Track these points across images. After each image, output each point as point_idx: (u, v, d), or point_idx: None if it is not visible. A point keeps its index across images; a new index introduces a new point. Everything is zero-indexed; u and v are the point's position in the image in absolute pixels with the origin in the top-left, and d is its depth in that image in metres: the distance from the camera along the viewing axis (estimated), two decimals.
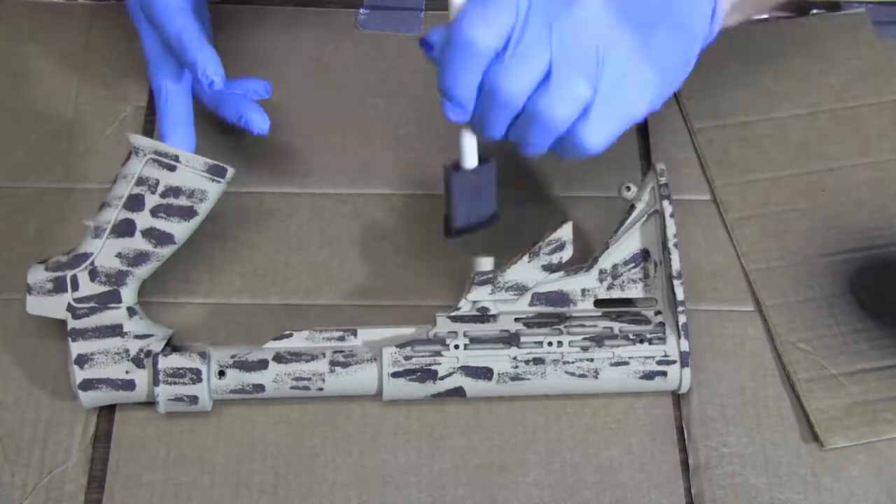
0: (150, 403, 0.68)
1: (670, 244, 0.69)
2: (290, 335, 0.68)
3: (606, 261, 0.70)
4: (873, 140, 0.80)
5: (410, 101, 0.82)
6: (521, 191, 0.78)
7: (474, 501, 0.67)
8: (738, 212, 0.77)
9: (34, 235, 0.74)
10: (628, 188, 0.71)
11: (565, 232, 0.69)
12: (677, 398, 0.70)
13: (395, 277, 0.74)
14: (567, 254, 0.69)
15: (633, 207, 0.70)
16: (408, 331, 0.69)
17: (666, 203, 0.69)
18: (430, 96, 0.82)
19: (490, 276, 0.69)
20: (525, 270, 0.69)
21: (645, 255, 0.70)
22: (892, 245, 0.76)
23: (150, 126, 0.80)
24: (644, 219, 0.70)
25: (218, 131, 0.78)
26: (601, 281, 0.70)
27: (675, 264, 0.68)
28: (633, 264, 0.70)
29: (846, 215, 0.77)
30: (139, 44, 0.72)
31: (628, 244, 0.70)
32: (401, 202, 0.78)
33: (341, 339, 0.68)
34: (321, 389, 0.67)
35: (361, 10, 0.87)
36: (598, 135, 0.61)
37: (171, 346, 0.68)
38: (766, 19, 0.86)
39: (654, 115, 0.81)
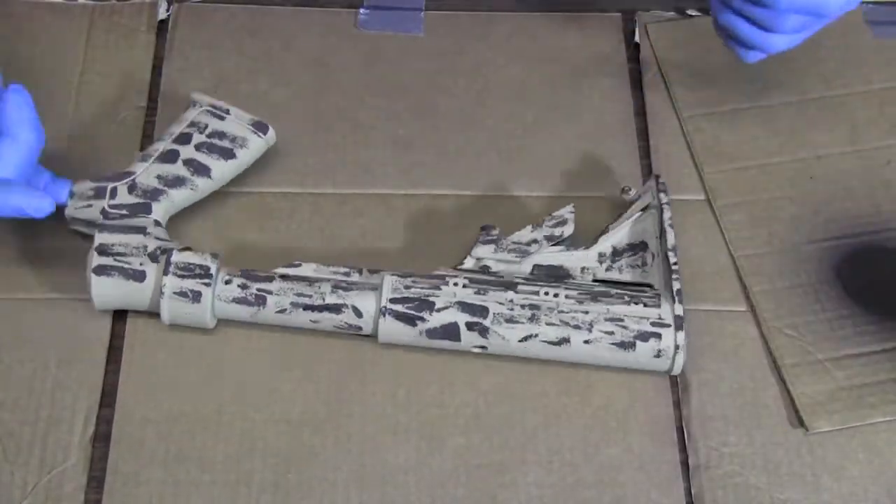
0: (150, 402, 0.68)
1: (666, 224, 0.71)
2: (299, 264, 0.71)
3: (606, 243, 0.73)
4: (861, 128, 0.81)
5: (410, 101, 0.82)
6: (522, 190, 0.78)
7: (474, 501, 0.67)
8: (727, 199, 0.78)
9: (35, 235, 0.74)
10: (629, 190, 0.75)
11: (567, 210, 0.73)
12: (677, 398, 0.71)
13: None
14: (568, 229, 0.73)
15: (633, 203, 0.73)
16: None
17: (663, 195, 0.72)
18: (430, 96, 0.83)
19: (495, 236, 0.72)
20: (528, 236, 0.72)
21: (643, 246, 0.73)
22: (879, 232, 0.76)
23: (151, 126, 0.80)
24: (642, 213, 0.73)
25: None
26: (600, 262, 0.72)
27: (671, 240, 0.71)
28: (631, 252, 0.73)
29: (834, 202, 0.78)
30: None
31: (628, 233, 0.73)
32: (401, 202, 0.78)
33: (347, 274, 0.70)
34: (321, 311, 0.69)
35: (361, 10, 0.87)
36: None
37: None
38: None
39: (653, 115, 0.82)
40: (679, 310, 0.69)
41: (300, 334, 0.71)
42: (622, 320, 0.69)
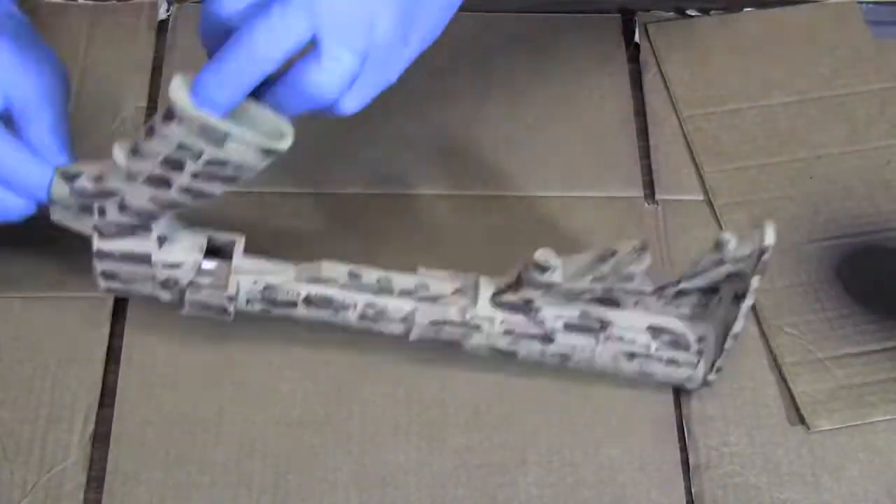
0: (150, 402, 0.68)
1: (741, 314, 0.64)
2: (326, 280, 0.68)
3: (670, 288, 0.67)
4: (861, 128, 0.81)
5: (410, 101, 0.82)
6: (522, 191, 0.78)
7: (474, 501, 0.67)
8: (727, 198, 0.78)
9: (34, 234, 0.74)
10: (727, 242, 0.62)
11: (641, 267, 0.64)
12: (678, 397, 0.70)
13: None
14: (637, 284, 0.65)
15: (722, 261, 0.63)
16: (447, 287, 0.68)
17: (755, 280, 0.63)
18: (431, 96, 0.83)
19: (546, 281, 0.65)
20: (584, 286, 0.65)
21: (714, 290, 0.66)
22: (879, 232, 0.77)
23: None
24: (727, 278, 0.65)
25: None
26: (658, 298, 0.67)
27: (738, 327, 0.65)
28: (700, 294, 0.67)
29: (834, 202, 0.78)
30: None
31: (699, 281, 0.66)
32: (400, 202, 0.78)
33: (377, 291, 0.68)
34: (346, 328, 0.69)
35: None
36: (355, 102, 0.60)
37: (209, 248, 0.67)
38: (756, 7, 0.87)
39: (653, 115, 0.82)
40: (713, 377, 0.68)
41: (300, 335, 0.71)
42: (651, 375, 0.69)
